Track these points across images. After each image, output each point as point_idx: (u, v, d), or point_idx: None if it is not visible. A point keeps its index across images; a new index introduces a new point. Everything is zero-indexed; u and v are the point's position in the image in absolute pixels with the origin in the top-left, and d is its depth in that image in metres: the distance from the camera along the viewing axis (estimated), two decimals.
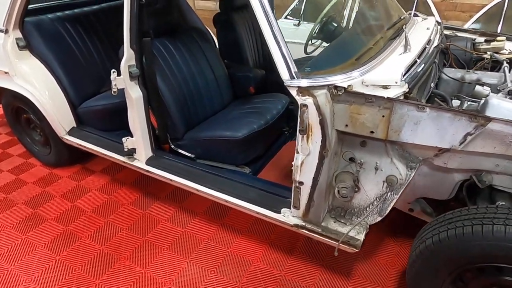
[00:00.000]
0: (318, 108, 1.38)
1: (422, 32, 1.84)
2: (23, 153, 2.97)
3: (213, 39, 2.81)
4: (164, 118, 2.06)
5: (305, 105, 1.39)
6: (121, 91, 2.39)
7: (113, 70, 1.84)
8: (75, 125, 2.43)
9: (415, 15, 2.17)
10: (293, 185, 1.61)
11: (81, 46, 2.52)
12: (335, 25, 2.44)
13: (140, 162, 2.10)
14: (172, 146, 2.14)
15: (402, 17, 1.96)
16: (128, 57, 1.84)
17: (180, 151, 2.12)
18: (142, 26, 1.84)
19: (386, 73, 1.43)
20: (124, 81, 1.87)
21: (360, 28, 1.85)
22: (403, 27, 1.84)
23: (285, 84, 1.42)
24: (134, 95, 1.90)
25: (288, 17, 4.48)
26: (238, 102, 2.40)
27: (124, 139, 2.04)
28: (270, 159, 2.21)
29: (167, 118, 2.06)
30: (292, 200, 1.65)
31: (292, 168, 1.58)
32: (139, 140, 2.02)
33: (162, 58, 2.08)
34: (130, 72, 1.85)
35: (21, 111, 2.65)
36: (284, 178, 2.06)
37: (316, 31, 2.41)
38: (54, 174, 2.71)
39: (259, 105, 2.24)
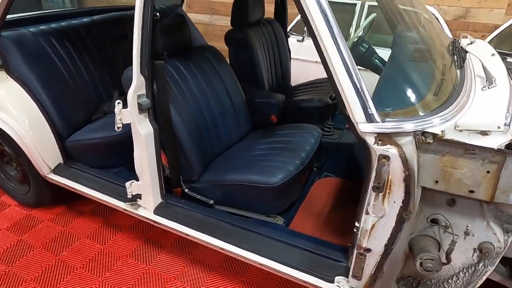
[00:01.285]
0: (405, 161, 1.06)
1: (488, 59, 1.57)
2: None
3: None
4: (177, 157, 1.68)
5: (386, 157, 1.07)
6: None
7: (118, 101, 1.46)
8: (62, 162, 2.00)
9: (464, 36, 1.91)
10: (354, 251, 1.28)
11: (69, 65, 2.12)
12: (366, 46, 2.16)
13: (146, 210, 1.71)
14: (186, 190, 1.76)
15: (459, 40, 1.69)
16: (137, 85, 1.46)
17: (195, 195, 1.75)
18: (155, 47, 1.48)
19: (483, 114, 1.13)
20: (131, 115, 1.49)
21: (412, 52, 1.56)
22: (467, 54, 1.57)
23: (359, 130, 1.10)
24: (144, 131, 1.52)
25: (291, 32, 4.21)
26: (259, 134, 2.06)
27: (127, 184, 1.64)
28: (300, 204, 1.88)
29: (181, 157, 1.69)
30: (351, 268, 1.31)
31: (355, 230, 1.25)
32: (146, 185, 1.64)
33: (174, 84, 1.72)
34: (139, 104, 1.48)
35: None
36: (322, 230, 1.72)
37: None
38: (33, 217, 2.25)
39: (287, 139, 1.90)
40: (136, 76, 1.45)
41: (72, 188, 1.91)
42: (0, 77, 1.90)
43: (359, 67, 2.30)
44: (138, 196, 1.70)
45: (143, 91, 1.50)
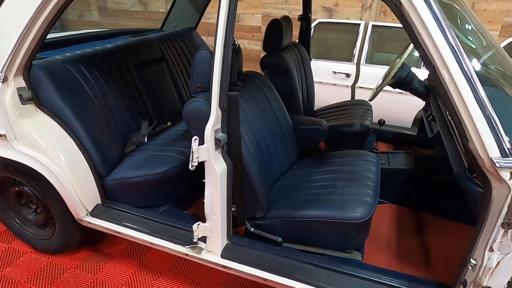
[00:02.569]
0: None
1: None
2: (1, 235, 2.20)
3: None
4: (243, 194, 1.56)
5: None
6: (169, 158, 1.87)
7: (194, 137, 1.33)
8: (100, 202, 1.80)
9: None
10: None
11: (100, 94, 1.93)
12: (407, 70, 2.16)
13: (212, 254, 1.55)
14: (252, 229, 1.63)
15: None
16: (216, 119, 1.34)
17: (262, 233, 1.62)
18: (231, 78, 1.37)
19: None
20: (208, 152, 1.36)
21: (490, 76, 1.54)
22: None
23: (490, 165, 1.04)
24: (219, 168, 1.39)
25: None
26: (311, 162, 1.97)
27: (195, 227, 1.49)
28: None
29: (247, 193, 1.56)
30: None
31: (470, 267, 1.19)
32: (215, 226, 1.49)
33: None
34: (217, 140, 1.35)
35: (8, 183, 1.94)
36: (398, 263, 1.65)
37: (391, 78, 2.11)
38: (56, 265, 1.99)
39: (346, 168, 1.83)
40: (214, 110, 1.33)
41: (116, 232, 1.70)
42: (29, 111, 1.69)
43: (398, 89, 2.29)
44: (203, 238, 1.54)
45: (219, 125, 1.38)
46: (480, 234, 1.16)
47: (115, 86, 2.06)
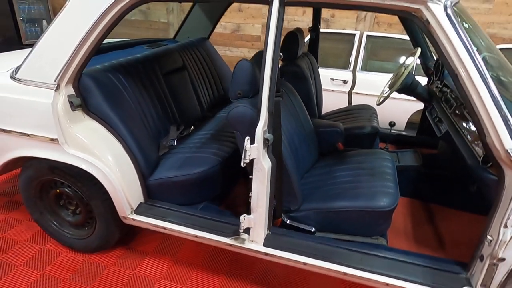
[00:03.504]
0: None
1: None
2: (34, 237, 2.28)
3: None
4: (281, 188, 1.74)
5: None
6: (206, 159, 2.02)
7: (247, 137, 1.50)
8: (142, 201, 1.93)
9: None
10: (486, 262, 1.43)
11: (136, 101, 2.08)
12: (412, 78, 2.41)
13: (255, 244, 1.71)
14: (288, 221, 1.81)
15: None
16: (265, 121, 1.52)
17: (297, 224, 1.81)
18: (276, 85, 1.56)
19: None
20: (257, 150, 1.53)
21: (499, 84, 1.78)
22: None
23: (507, 156, 1.27)
24: (267, 165, 1.57)
25: None
26: (332, 161, 2.17)
27: (241, 218, 1.65)
28: None
29: (286, 188, 1.74)
30: (480, 278, 1.46)
31: (487, 242, 1.41)
32: (259, 218, 1.66)
33: None
34: (265, 139, 1.53)
35: (49, 186, 2.05)
36: (417, 247, 1.87)
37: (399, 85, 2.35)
38: (93, 263, 2.10)
39: (366, 165, 2.04)
40: (264, 113, 1.51)
41: (161, 227, 1.84)
42: (78, 116, 1.81)
43: (404, 95, 2.53)
44: (246, 230, 1.71)
45: (266, 127, 1.56)
46: (495, 214, 1.39)
47: (147, 93, 2.21)
